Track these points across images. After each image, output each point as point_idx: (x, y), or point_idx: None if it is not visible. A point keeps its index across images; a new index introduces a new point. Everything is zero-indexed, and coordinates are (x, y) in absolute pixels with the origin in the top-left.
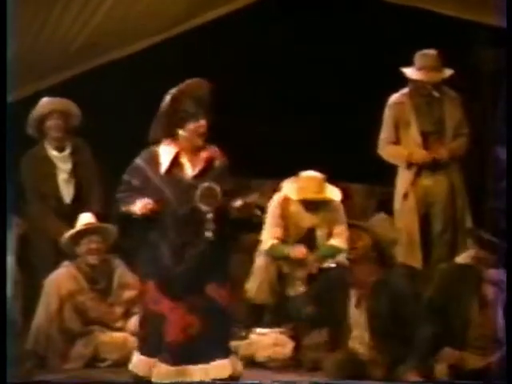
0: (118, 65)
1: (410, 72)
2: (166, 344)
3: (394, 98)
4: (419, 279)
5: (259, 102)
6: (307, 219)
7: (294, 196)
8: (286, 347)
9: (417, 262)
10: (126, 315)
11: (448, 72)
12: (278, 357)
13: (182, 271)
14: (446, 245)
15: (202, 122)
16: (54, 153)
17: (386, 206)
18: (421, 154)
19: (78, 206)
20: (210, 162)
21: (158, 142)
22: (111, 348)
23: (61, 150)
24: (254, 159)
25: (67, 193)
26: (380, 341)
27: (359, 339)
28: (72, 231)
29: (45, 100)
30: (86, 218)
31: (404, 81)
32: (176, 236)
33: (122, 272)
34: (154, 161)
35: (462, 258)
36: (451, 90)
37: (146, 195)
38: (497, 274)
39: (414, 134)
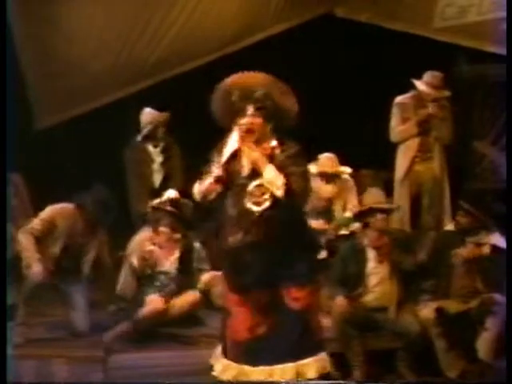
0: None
1: (418, 83)
2: (231, 343)
3: (400, 98)
4: (413, 241)
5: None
6: (326, 190)
7: (314, 170)
8: None
9: (406, 227)
10: None
11: (446, 93)
12: None
13: (254, 264)
14: (433, 216)
15: (252, 120)
16: (150, 147)
17: (388, 187)
18: (424, 112)
19: (164, 189)
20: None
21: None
22: (182, 302)
23: (155, 146)
24: None
25: (157, 179)
26: (401, 289)
27: (380, 290)
28: (158, 200)
29: (148, 112)
30: (172, 193)
31: (406, 89)
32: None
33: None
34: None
35: (448, 226)
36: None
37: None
38: (476, 237)
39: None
